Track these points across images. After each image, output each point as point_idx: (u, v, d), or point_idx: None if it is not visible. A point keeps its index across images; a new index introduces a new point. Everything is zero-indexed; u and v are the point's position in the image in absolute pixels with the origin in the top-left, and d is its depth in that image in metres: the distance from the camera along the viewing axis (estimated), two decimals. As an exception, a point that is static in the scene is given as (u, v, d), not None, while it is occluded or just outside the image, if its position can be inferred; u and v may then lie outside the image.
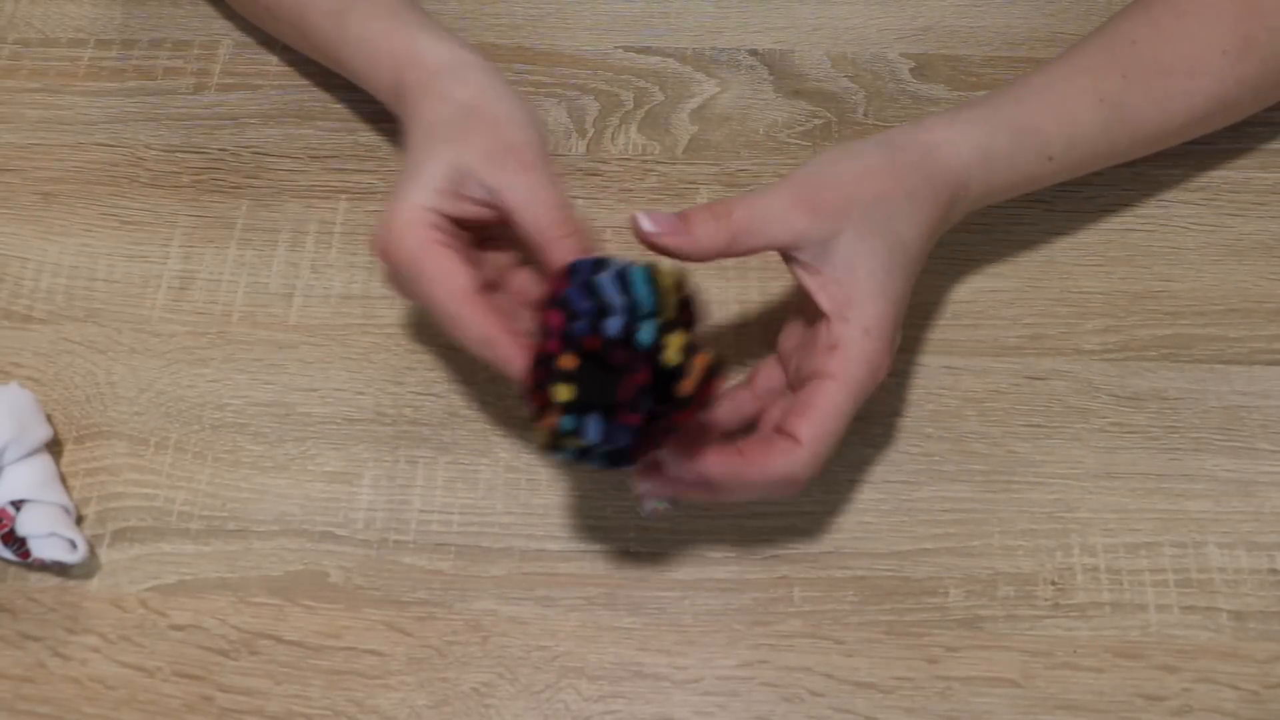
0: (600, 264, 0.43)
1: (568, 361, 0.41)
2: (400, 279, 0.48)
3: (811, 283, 0.46)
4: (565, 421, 0.41)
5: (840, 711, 0.48)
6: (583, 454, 0.42)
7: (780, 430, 0.45)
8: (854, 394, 0.45)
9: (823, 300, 0.46)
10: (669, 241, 0.45)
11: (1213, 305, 0.56)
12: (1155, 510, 0.51)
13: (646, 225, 0.45)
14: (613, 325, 0.40)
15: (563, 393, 0.41)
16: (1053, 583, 0.50)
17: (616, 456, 0.42)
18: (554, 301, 0.42)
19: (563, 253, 0.46)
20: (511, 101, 0.50)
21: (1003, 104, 0.52)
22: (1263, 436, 0.53)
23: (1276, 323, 0.56)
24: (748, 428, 0.50)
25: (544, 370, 0.42)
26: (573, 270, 0.43)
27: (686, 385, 0.41)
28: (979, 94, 0.54)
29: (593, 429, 0.41)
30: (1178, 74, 0.53)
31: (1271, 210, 0.59)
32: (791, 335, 0.50)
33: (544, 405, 0.42)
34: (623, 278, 0.42)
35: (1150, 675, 0.48)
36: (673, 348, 0.40)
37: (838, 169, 0.47)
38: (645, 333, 0.40)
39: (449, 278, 0.46)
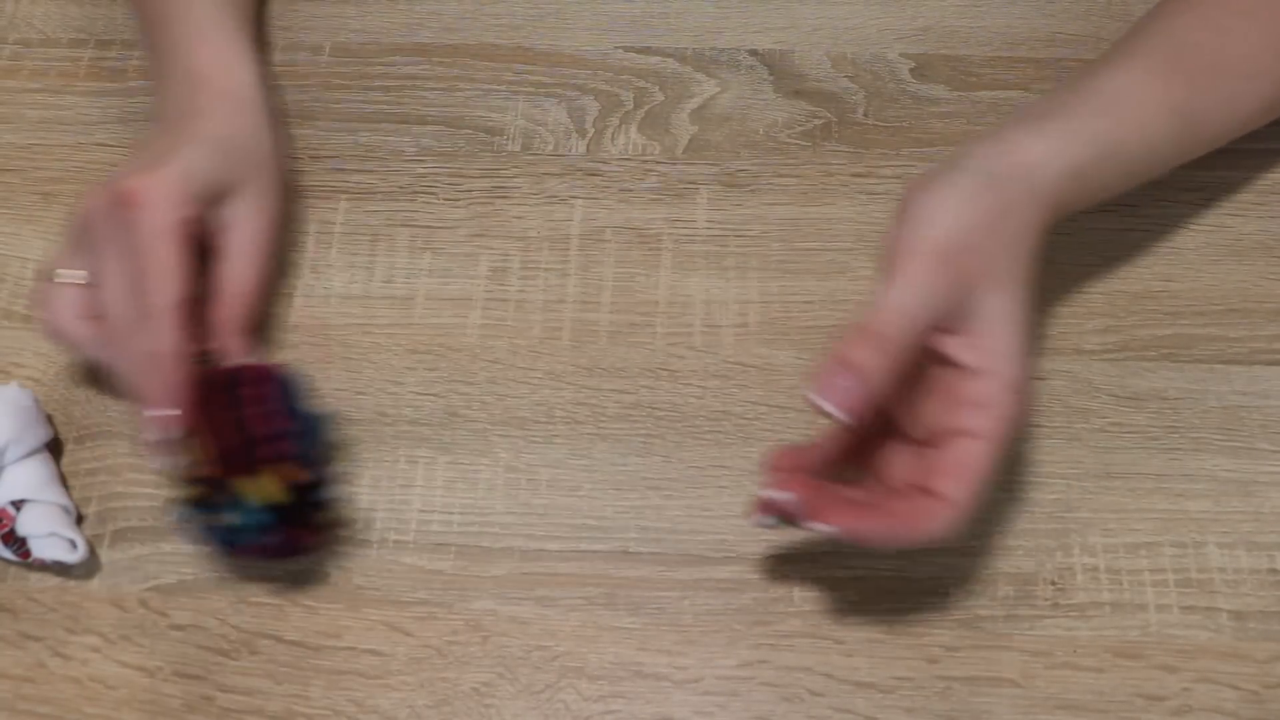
0: (304, 393, 0.48)
1: (299, 474, 0.45)
2: (113, 236, 0.47)
3: (954, 344, 0.44)
4: (258, 516, 0.45)
5: (840, 711, 0.48)
6: (211, 529, 0.46)
7: (927, 490, 0.43)
8: (1000, 451, 0.44)
9: (969, 359, 0.44)
10: (865, 412, 0.42)
11: (1213, 305, 0.56)
12: (1155, 510, 0.51)
13: (838, 413, 0.42)
14: (331, 473, 0.49)
15: (274, 491, 0.45)
16: (1052, 582, 0.50)
17: (249, 550, 0.47)
18: (275, 403, 0.47)
19: (237, 316, 0.50)
20: (282, 173, 0.53)
21: (1082, 113, 0.49)
22: (1263, 436, 0.53)
23: (1276, 323, 0.56)
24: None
25: (254, 456, 0.45)
26: (288, 383, 0.48)
27: (312, 539, 0.48)
28: (1046, 92, 0.51)
29: (275, 533, 0.46)
30: (1237, 77, 0.52)
31: (1271, 210, 0.59)
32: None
33: (226, 476, 0.45)
34: (329, 439, 0.50)
35: (1150, 675, 0.48)
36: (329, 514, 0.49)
37: (960, 223, 0.44)
38: (335, 493, 0.50)
39: (177, 273, 0.46)
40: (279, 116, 0.54)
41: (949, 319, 0.44)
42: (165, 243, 0.46)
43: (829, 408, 0.42)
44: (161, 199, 0.46)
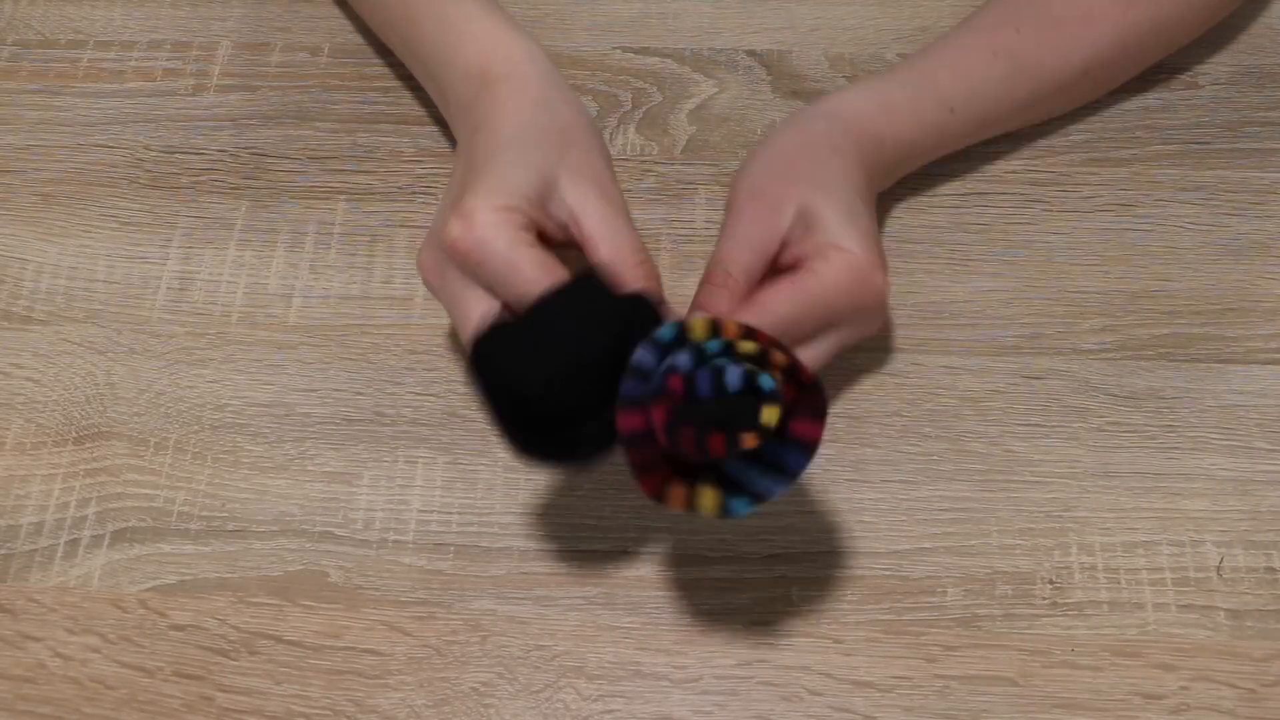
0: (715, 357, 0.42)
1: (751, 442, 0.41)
2: (473, 279, 0.46)
3: (797, 249, 0.49)
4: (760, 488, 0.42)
5: (839, 710, 0.48)
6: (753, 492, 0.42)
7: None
8: (812, 310, 0.48)
9: (807, 248, 0.49)
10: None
11: (1210, 304, 0.56)
12: (1152, 509, 0.51)
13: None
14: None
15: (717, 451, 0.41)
16: (1050, 582, 0.50)
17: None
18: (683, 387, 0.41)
19: (635, 284, 0.46)
20: (593, 126, 0.51)
21: (899, 66, 0.57)
22: (1260, 435, 0.53)
23: (1273, 322, 0.56)
24: None
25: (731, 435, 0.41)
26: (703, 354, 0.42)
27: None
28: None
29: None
30: (1072, 21, 0.57)
31: (1268, 210, 0.59)
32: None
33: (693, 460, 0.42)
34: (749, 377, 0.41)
35: (1148, 674, 0.48)
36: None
37: (767, 162, 0.52)
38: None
39: (553, 279, 0.44)
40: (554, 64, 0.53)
41: (789, 238, 0.50)
42: (523, 262, 0.44)
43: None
44: (489, 231, 0.45)
